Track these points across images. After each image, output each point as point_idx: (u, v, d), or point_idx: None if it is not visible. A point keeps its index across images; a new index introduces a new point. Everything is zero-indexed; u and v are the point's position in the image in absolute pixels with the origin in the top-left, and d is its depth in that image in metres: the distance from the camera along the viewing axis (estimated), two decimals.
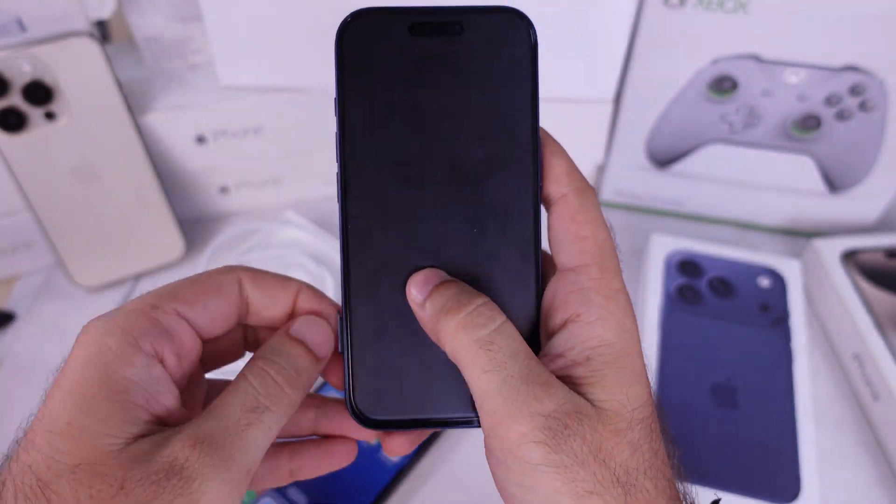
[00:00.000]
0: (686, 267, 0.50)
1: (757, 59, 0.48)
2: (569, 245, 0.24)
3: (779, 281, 0.49)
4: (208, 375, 0.28)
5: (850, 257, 0.50)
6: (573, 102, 0.53)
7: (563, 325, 0.23)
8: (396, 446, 0.27)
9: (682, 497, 0.23)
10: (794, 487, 0.40)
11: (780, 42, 0.47)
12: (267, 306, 0.26)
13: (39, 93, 0.45)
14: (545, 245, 0.26)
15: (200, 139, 0.54)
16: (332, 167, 0.28)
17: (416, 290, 0.24)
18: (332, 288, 0.52)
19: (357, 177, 0.25)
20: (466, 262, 0.25)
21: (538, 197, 0.25)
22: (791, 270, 0.50)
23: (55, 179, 0.48)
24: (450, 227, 0.25)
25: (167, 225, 0.54)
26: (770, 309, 0.48)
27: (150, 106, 0.52)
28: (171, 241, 0.55)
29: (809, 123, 0.51)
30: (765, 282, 0.49)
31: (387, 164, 0.25)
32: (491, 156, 0.25)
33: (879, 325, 0.46)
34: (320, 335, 0.26)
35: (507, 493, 0.22)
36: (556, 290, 0.24)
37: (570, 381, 0.23)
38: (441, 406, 0.25)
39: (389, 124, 0.25)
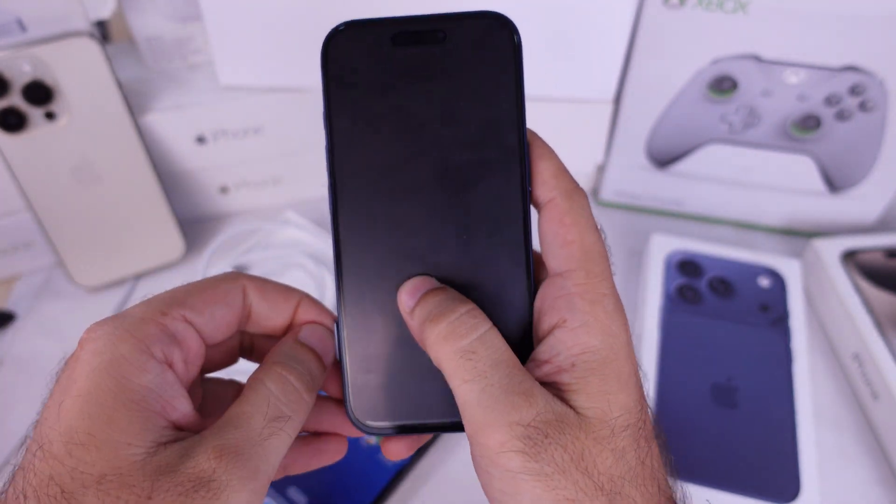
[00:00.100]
0: (686, 267, 0.50)
1: (757, 59, 0.48)
2: (557, 249, 0.24)
3: (779, 281, 0.49)
4: None
5: (850, 257, 0.50)
6: (573, 102, 0.53)
7: (550, 331, 0.23)
8: (395, 450, 0.27)
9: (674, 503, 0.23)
10: (794, 487, 0.40)
11: (780, 42, 0.47)
12: (269, 315, 0.27)
13: (39, 93, 0.45)
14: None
15: (200, 139, 0.54)
16: None
17: (406, 298, 0.25)
18: (332, 287, 0.52)
19: (347, 187, 0.25)
20: (457, 268, 0.25)
21: (527, 201, 0.25)
22: (791, 270, 0.50)
23: (55, 179, 0.48)
24: (440, 234, 0.25)
25: (167, 225, 0.54)
26: (770, 309, 0.48)
27: (150, 106, 0.52)
28: (171, 241, 0.55)
29: (809, 123, 0.51)
30: (765, 282, 0.49)
31: (376, 174, 0.25)
32: (478, 161, 0.25)
33: (879, 325, 0.46)
34: (326, 342, 0.27)
35: (491, 497, 0.23)
36: (545, 295, 0.24)
37: (556, 388, 0.23)
38: (438, 411, 0.25)
39: (376, 135, 0.25)
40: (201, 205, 0.59)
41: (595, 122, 0.55)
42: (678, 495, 0.23)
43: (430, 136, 0.25)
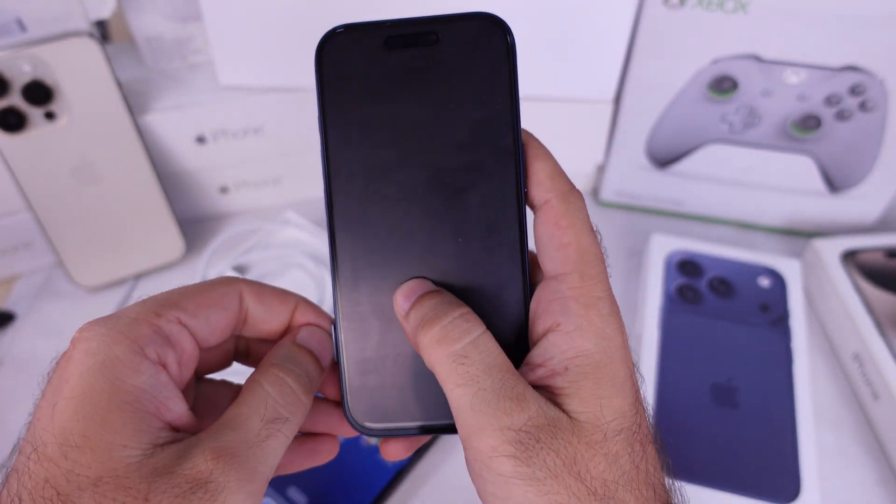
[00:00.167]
0: (686, 267, 0.50)
1: (757, 59, 0.48)
2: (552, 252, 0.24)
3: (779, 281, 0.49)
4: None
5: (850, 257, 0.50)
6: (573, 102, 0.53)
7: (545, 334, 0.23)
8: (394, 451, 0.27)
9: None
10: (794, 487, 0.40)
11: (780, 42, 0.47)
12: (265, 319, 0.27)
13: (39, 93, 0.45)
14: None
15: (200, 139, 0.54)
16: None
17: (402, 301, 0.25)
18: (331, 288, 0.52)
19: (342, 191, 0.25)
20: (453, 271, 0.25)
21: (522, 203, 0.25)
22: (791, 270, 0.50)
23: (55, 179, 0.48)
24: (436, 236, 0.25)
25: (167, 225, 0.54)
26: (770, 309, 0.48)
27: (150, 106, 0.52)
28: (171, 241, 0.55)
29: (809, 123, 0.51)
30: (765, 282, 0.49)
31: (371, 177, 0.25)
32: (473, 163, 0.25)
33: (879, 325, 0.46)
34: (324, 345, 0.27)
35: (485, 501, 0.23)
36: (540, 298, 0.24)
37: (550, 392, 0.23)
38: (435, 413, 0.25)
39: (371, 139, 0.25)
40: (201, 205, 0.59)
41: (595, 122, 0.55)
42: (675, 499, 0.23)
43: (424, 139, 0.25)
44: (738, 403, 0.43)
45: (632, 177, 0.57)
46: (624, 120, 0.54)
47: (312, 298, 0.52)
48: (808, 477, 0.40)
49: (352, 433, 0.28)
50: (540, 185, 0.24)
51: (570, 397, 0.22)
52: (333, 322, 0.27)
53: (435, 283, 0.25)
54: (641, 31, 0.49)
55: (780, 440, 0.41)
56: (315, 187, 0.61)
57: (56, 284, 0.55)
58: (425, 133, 0.25)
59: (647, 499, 0.21)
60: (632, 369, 0.23)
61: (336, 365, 0.27)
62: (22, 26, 0.44)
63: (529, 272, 0.25)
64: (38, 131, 0.46)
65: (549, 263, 0.24)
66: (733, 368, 0.45)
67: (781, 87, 0.49)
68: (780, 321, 0.47)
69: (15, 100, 0.45)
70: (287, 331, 0.28)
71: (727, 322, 0.47)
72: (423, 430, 0.26)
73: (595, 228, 0.24)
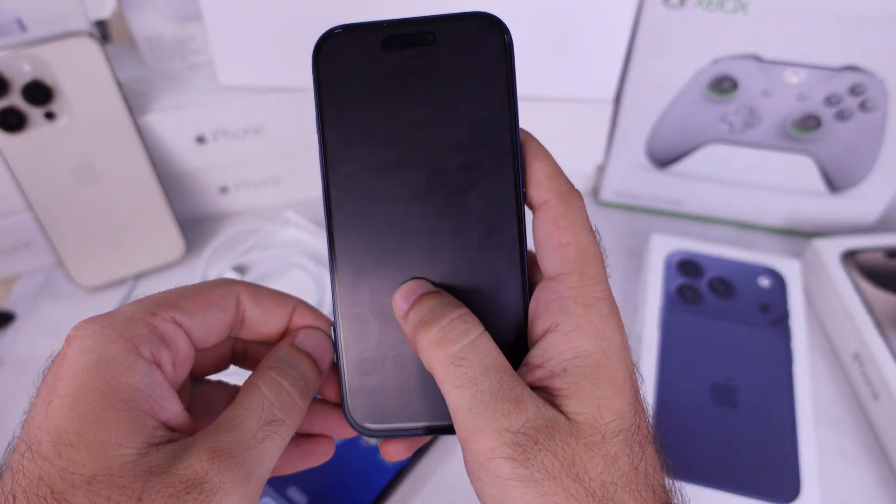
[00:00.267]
0: (686, 267, 0.50)
1: (757, 59, 0.48)
2: (551, 252, 0.23)
3: (779, 281, 0.49)
4: None
5: (850, 257, 0.50)
6: (573, 102, 0.53)
7: (544, 335, 0.23)
8: (394, 451, 0.27)
9: None
10: (794, 487, 0.40)
11: (780, 42, 0.47)
12: (263, 321, 0.27)
13: (39, 93, 0.45)
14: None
15: (200, 139, 0.54)
16: None
17: (401, 302, 0.25)
18: (331, 288, 0.52)
19: (340, 192, 0.25)
20: (452, 271, 0.25)
21: (521, 203, 0.25)
22: (791, 270, 0.50)
23: (55, 179, 0.48)
24: (435, 237, 0.25)
25: (167, 225, 0.54)
26: (770, 309, 0.48)
27: (150, 106, 0.52)
28: (171, 241, 0.55)
29: (809, 123, 0.51)
30: (765, 282, 0.49)
31: (369, 178, 0.25)
32: (472, 164, 0.25)
33: (879, 325, 0.46)
34: (323, 348, 0.27)
35: (483, 502, 0.23)
36: (539, 299, 0.24)
37: (548, 393, 0.23)
38: (435, 414, 0.25)
39: (369, 140, 0.25)
40: (201, 205, 0.59)
41: (595, 122, 0.55)
42: (675, 500, 0.23)
43: (423, 140, 0.25)
44: (738, 403, 0.43)
45: (632, 177, 0.57)
46: (624, 120, 0.54)
47: (312, 298, 0.52)
48: (808, 477, 0.40)
49: (349, 434, 0.28)
50: (539, 185, 0.24)
51: (569, 398, 0.22)
52: (333, 323, 0.27)
53: (434, 283, 0.25)
54: (641, 31, 0.49)
55: (780, 440, 0.41)
56: (315, 187, 0.60)
57: (56, 284, 0.55)
58: (423, 133, 0.25)
59: (646, 500, 0.21)
60: (631, 370, 0.23)
61: (334, 366, 0.27)
62: (22, 26, 0.44)
63: (529, 272, 0.25)
64: (38, 131, 0.46)
65: (547, 263, 0.24)
66: (733, 368, 0.45)
67: (781, 87, 0.49)
68: (780, 321, 0.47)
69: (15, 100, 0.45)
70: (285, 333, 0.28)
71: (727, 322, 0.47)
72: (423, 431, 0.26)
73: (594, 228, 0.24)
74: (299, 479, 0.41)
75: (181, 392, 0.26)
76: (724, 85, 0.50)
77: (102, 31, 0.61)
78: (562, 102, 0.54)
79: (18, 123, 0.46)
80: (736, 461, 0.41)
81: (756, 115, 0.51)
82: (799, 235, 0.58)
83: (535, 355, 0.23)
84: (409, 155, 0.25)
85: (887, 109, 0.49)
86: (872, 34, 0.46)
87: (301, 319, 0.27)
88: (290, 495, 0.40)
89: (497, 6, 0.47)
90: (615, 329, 0.23)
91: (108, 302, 0.53)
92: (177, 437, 0.22)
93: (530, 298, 0.25)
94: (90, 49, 0.45)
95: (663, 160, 0.56)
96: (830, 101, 0.49)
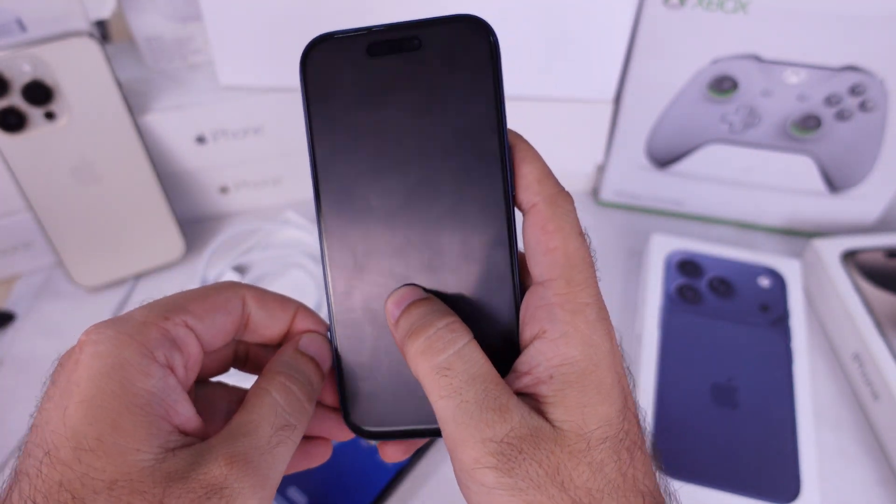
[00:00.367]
0: (686, 267, 0.50)
1: (757, 59, 0.48)
2: (539, 257, 0.23)
3: (779, 281, 0.49)
4: None
5: (850, 257, 0.50)
6: (573, 102, 0.53)
7: (532, 341, 0.23)
8: (392, 453, 0.27)
9: None
10: (794, 487, 0.40)
11: (780, 42, 0.47)
12: (266, 324, 0.27)
13: (39, 93, 0.45)
14: None
15: (200, 139, 0.54)
16: None
17: (392, 308, 0.25)
18: (325, 293, 0.53)
19: (331, 199, 0.25)
20: (443, 277, 0.25)
21: (511, 207, 0.24)
22: (791, 270, 0.50)
23: (55, 179, 0.48)
24: (426, 242, 0.25)
25: (167, 225, 0.54)
26: (770, 309, 0.48)
27: (150, 106, 0.52)
28: (170, 241, 0.55)
29: (809, 123, 0.51)
30: (765, 282, 0.49)
31: (359, 185, 0.25)
32: (461, 168, 0.24)
33: (879, 325, 0.46)
34: (324, 352, 0.27)
35: None
36: (528, 305, 0.24)
37: (535, 400, 0.22)
38: (431, 416, 0.25)
39: (358, 147, 0.25)
40: (201, 205, 0.59)
41: (595, 122, 0.55)
42: None
43: (411, 145, 0.25)
44: (738, 403, 0.43)
45: (632, 177, 0.57)
46: (624, 120, 0.54)
47: (312, 298, 0.52)
48: (808, 477, 0.40)
49: (347, 437, 0.28)
50: (527, 189, 0.24)
51: (555, 406, 0.22)
52: (329, 328, 0.27)
53: (426, 289, 0.25)
54: (641, 31, 0.49)
55: (780, 440, 0.41)
56: None
57: (56, 284, 0.55)
58: (412, 139, 0.25)
59: None
60: (621, 375, 0.23)
61: (332, 370, 0.27)
62: (22, 26, 0.44)
63: (522, 276, 0.25)
64: (38, 131, 0.46)
65: (536, 268, 0.23)
66: (733, 368, 0.45)
67: (781, 87, 0.49)
68: (780, 321, 0.47)
69: (15, 100, 0.45)
70: (286, 336, 0.28)
71: (727, 322, 0.47)
72: (421, 434, 0.26)
73: (584, 232, 0.24)
74: (299, 479, 0.41)
75: (189, 394, 0.26)
76: (724, 85, 0.50)
77: (102, 31, 0.61)
78: (562, 102, 0.54)
79: (18, 123, 0.46)
80: (736, 461, 0.41)
81: (756, 115, 0.51)
82: (799, 235, 0.58)
83: (523, 362, 0.23)
84: (397, 161, 0.25)
85: (887, 109, 0.49)
86: (872, 34, 0.46)
87: (302, 323, 0.28)
88: (290, 495, 0.40)
89: (498, 6, 0.47)
90: (603, 335, 0.23)
91: (108, 302, 0.53)
92: (190, 441, 0.22)
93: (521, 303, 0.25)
94: (90, 49, 0.45)
95: (663, 160, 0.56)
96: (830, 101, 0.49)
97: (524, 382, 0.23)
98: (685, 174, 0.56)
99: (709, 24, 0.47)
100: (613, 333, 0.23)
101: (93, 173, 0.49)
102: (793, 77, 0.49)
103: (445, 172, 0.24)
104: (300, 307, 0.28)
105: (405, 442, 0.27)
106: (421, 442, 0.28)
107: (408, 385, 0.25)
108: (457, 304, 0.25)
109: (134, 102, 0.51)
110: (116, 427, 0.21)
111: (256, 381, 0.25)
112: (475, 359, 0.23)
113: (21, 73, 0.44)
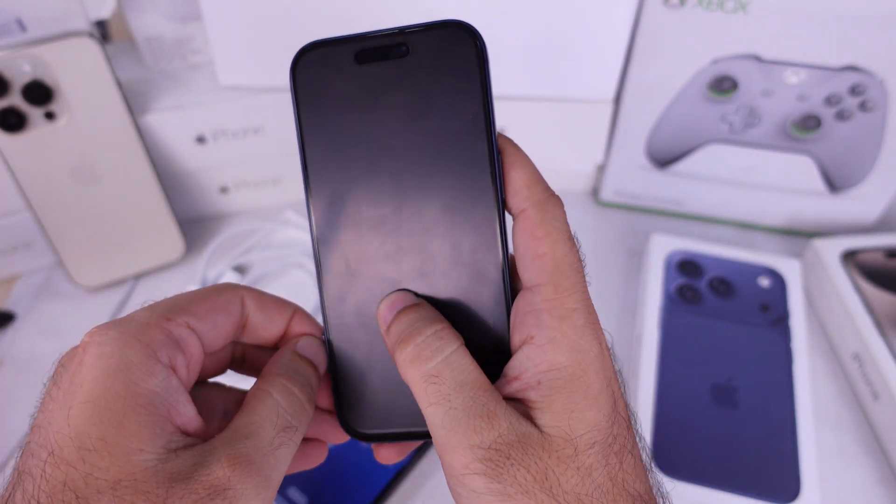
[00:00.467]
0: (686, 267, 0.50)
1: (757, 59, 0.48)
2: (528, 262, 0.23)
3: (779, 281, 0.49)
4: None
5: (850, 257, 0.50)
6: (573, 102, 0.53)
7: (521, 347, 0.23)
8: (387, 455, 0.27)
9: None
10: (794, 487, 0.40)
11: (780, 42, 0.47)
12: (264, 326, 0.27)
13: (39, 93, 0.45)
14: None
15: (200, 139, 0.54)
16: None
17: (384, 314, 0.25)
18: (319, 298, 0.53)
19: (323, 206, 0.26)
20: (435, 282, 0.25)
21: (501, 212, 0.24)
22: (791, 270, 0.50)
23: (55, 179, 0.48)
24: (417, 247, 0.25)
25: (167, 225, 0.54)
26: (770, 309, 0.48)
27: (150, 106, 0.52)
28: (170, 241, 0.55)
29: (809, 123, 0.51)
30: (765, 282, 0.49)
31: (350, 191, 0.25)
32: (451, 173, 0.24)
33: (879, 325, 0.46)
34: (321, 355, 0.27)
35: None
36: (517, 310, 0.24)
37: (524, 405, 0.23)
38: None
39: (349, 154, 0.25)
40: (201, 205, 0.59)
41: (595, 122, 0.55)
42: None
43: (401, 152, 0.25)
44: (738, 403, 0.43)
45: (632, 177, 0.57)
46: (624, 120, 0.54)
47: (312, 298, 0.52)
48: (808, 477, 0.40)
49: (342, 440, 0.28)
50: (516, 195, 0.24)
51: (543, 411, 0.22)
52: (324, 331, 0.27)
53: (418, 294, 0.25)
54: (641, 31, 0.49)
55: (780, 440, 0.41)
56: None
57: (56, 284, 0.55)
58: (402, 146, 0.25)
59: None
60: (611, 379, 0.23)
61: (328, 373, 0.27)
62: (22, 26, 0.44)
63: (513, 281, 0.25)
64: (38, 131, 0.46)
65: (525, 274, 0.24)
66: (733, 368, 0.45)
67: (781, 87, 0.49)
68: (780, 321, 0.47)
69: (15, 100, 0.45)
70: (282, 338, 0.28)
71: (727, 322, 0.47)
72: (415, 436, 0.26)
73: (574, 236, 0.24)
74: (299, 480, 0.41)
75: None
76: (724, 85, 0.50)
77: (102, 31, 0.61)
78: (562, 102, 0.54)
79: (18, 123, 0.46)
80: (736, 461, 0.41)
81: (756, 115, 0.51)
82: (799, 235, 0.58)
83: (512, 367, 0.23)
84: (388, 167, 0.25)
85: (887, 109, 0.49)
86: (872, 34, 0.46)
87: (298, 326, 0.28)
88: (290, 495, 0.40)
89: (498, 6, 0.47)
90: (591, 339, 0.23)
91: (108, 302, 0.53)
92: (192, 442, 0.22)
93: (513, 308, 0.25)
94: (90, 49, 0.45)
95: (663, 160, 0.56)
96: (830, 101, 0.49)
97: (513, 388, 0.23)
98: (685, 174, 0.56)
99: (709, 24, 0.47)
100: (603, 338, 0.23)
101: (93, 173, 0.49)
102: (793, 77, 0.49)
103: (436, 178, 0.24)
104: (297, 310, 0.28)
105: (400, 444, 0.27)
106: (416, 444, 0.28)
107: (402, 388, 0.25)
108: (448, 309, 0.25)
109: (134, 102, 0.51)
110: (120, 427, 0.21)
111: (256, 383, 0.25)
112: (463, 366, 0.23)
113: (21, 73, 0.44)
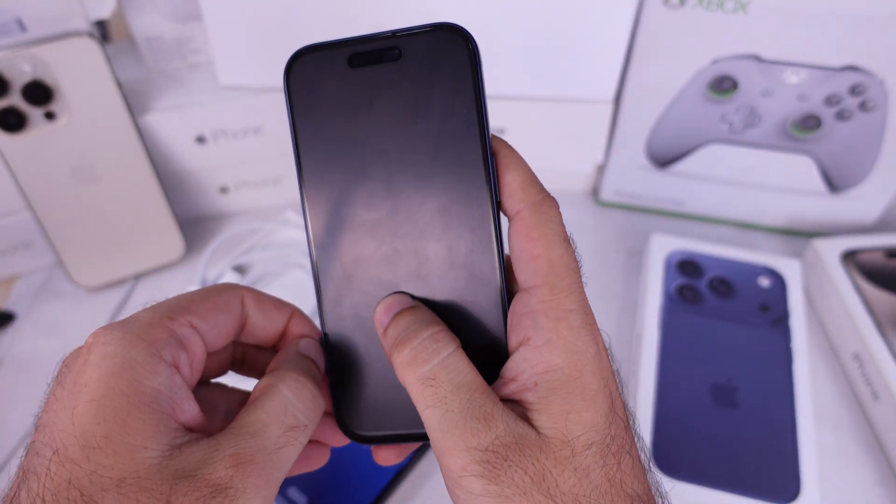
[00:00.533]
0: (686, 267, 0.50)
1: (757, 59, 0.48)
2: (524, 264, 0.23)
3: (779, 281, 0.49)
4: None
5: (850, 257, 0.50)
6: (573, 102, 0.53)
7: (517, 348, 0.23)
8: (386, 457, 0.27)
9: None
10: (794, 487, 0.40)
11: (780, 42, 0.47)
12: (263, 326, 0.27)
13: (39, 93, 0.45)
14: None
15: (200, 139, 0.54)
16: None
17: (381, 316, 0.25)
18: (316, 300, 0.53)
19: (318, 209, 0.26)
20: (431, 285, 0.25)
21: (496, 214, 0.24)
22: (791, 270, 0.50)
23: (55, 179, 0.48)
24: (413, 250, 0.25)
25: (167, 225, 0.54)
26: (770, 309, 0.48)
27: (150, 106, 0.52)
28: (170, 241, 0.55)
29: (809, 123, 0.51)
30: (765, 282, 0.49)
31: (345, 195, 0.25)
32: (445, 176, 0.24)
33: (879, 325, 0.46)
34: (321, 356, 0.27)
35: None
36: (514, 312, 0.24)
37: (522, 406, 0.23)
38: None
39: (343, 158, 0.25)
40: (201, 205, 0.59)
41: (595, 122, 0.55)
42: None
43: (395, 155, 0.25)
44: (738, 403, 0.43)
45: (632, 177, 0.57)
46: (624, 120, 0.54)
47: (312, 298, 0.52)
48: (808, 477, 0.40)
49: (342, 442, 0.28)
50: (511, 197, 0.24)
51: (539, 413, 0.22)
52: (322, 334, 0.27)
53: (415, 296, 0.25)
54: (641, 31, 0.49)
55: (780, 440, 0.41)
56: None
57: (56, 284, 0.55)
58: (396, 149, 0.25)
59: None
60: (608, 380, 0.23)
61: (326, 375, 0.27)
62: (22, 26, 0.44)
63: (509, 282, 0.25)
64: (38, 131, 0.46)
65: (521, 275, 0.24)
66: (733, 368, 0.45)
67: (781, 87, 0.49)
68: (780, 321, 0.47)
69: (15, 100, 0.45)
70: (281, 339, 0.28)
71: (727, 322, 0.47)
72: (413, 438, 0.26)
73: (570, 237, 0.24)
74: (299, 480, 0.41)
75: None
76: (724, 85, 0.50)
77: (102, 31, 0.61)
78: (562, 102, 0.54)
79: (18, 123, 0.46)
80: (736, 461, 0.41)
81: (756, 115, 0.51)
82: (799, 235, 0.58)
83: (509, 369, 0.23)
84: (382, 171, 0.25)
85: (887, 109, 0.49)
86: (872, 34, 0.46)
87: (296, 327, 0.28)
88: (290, 495, 0.40)
89: (498, 6, 0.47)
90: (588, 341, 0.23)
91: (108, 302, 0.53)
92: (196, 436, 0.22)
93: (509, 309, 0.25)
94: (90, 49, 0.45)
95: (663, 160, 0.56)
96: (830, 101, 0.49)
97: (510, 389, 0.23)
98: (685, 174, 0.56)
99: (709, 24, 0.47)
100: (600, 338, 0.23)
101: (93, 173, 0.49)
102: (793, 77, 0.49)
103: (430, 181, 0.25)
104: (295, 310, 0.28)
105: (398, 446, 0.27)
106: (414, 446, 0.28)
107: (399, 390, 0.25)
108: (445, 312, 0.25)
109: (134, 102, 0.51)
110: (125, 425, 0.21)
111: (265, 378, 0.25)
112: (460, 368, 0.23)
113: (21, 73, 0.44)
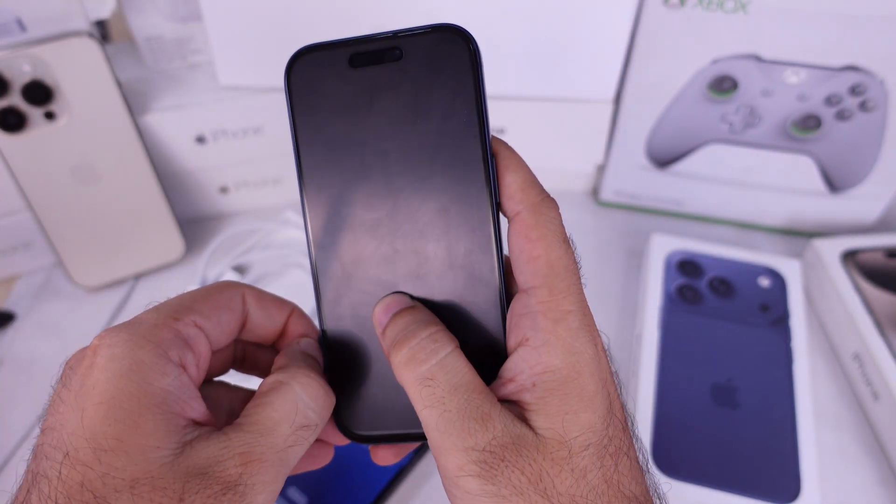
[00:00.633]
0: (686, 267, 0.50)
1: (757, 59, 0.48)
2: (523, 265, 0.23)
3: (779, 281, 0.49)
4: None
5: (850, 257, 0.50)
6: (573, 102, 0.53)
7: (516, 349, 0.23)
8: (384, 456, 0.27)
9: None
10: (794, 487, 0.40)
11: (780, 42, 0.47)
12: (263, 324, 0.28)
13: (39, 93, 0.45)
14: None
15: (200, 139, 0.54)
16: None
17: (380, 316, 0.25)
18: (315, 300, 0.53)
19: (318, 209, 0.26)
20: (431, 285, 0.25)
21: (496, 214, 0.24)
22: (791, 270, 0.50)
23: (55, 179, 0.48)
24: (413, 250, 0.25)
25: (167, 225, 0.54)
26: (770, 309, 0.48)
27: (150, 106, 0.52)
28: (170, 241, 0.55)
29: (809, 123, 0.51)
30: (765, 282, 0.49)
31: (345, 195, 0.25)
32: (445, 177, 0.24)
33: (879, 325, 0.46)
34: (320, 355, 0.27)
35: None
36: (513, 312, 0.24)
37: (520, 407, 0.23)
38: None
39: (343, 158, 0.25)
40: (201, 205, 0.59)
41: (595, 122, 0.55)
42: None
43: (395, 155, 0.25)
44: (738, 403, 0.43)
45: (632, 177, 0.57)
46: (624, 120, 0.54)
47: (312, 298, 0.52)
48: (808, 477, 0.40)
49: (343, 441, 0.28)
50: (511, 198, 0.24)
51: (537, 413, 0.22)
52: (321, 333, 0.27)
53: (414, 296, 0.25)
54: (641, 32, 0.49)
55: (780, 440, 0.41)
56: None
57: (56, 284, 0.55)
58: (396, 149, 0.25)
59: None
60: (606, 381, 0.23)
61: (325, 375, 0.27)
62: (22, 26, 0.44)
63: (508, 283, 0.25)
64: (38, 131, 0.46)
65: (520, 276, 0.24)
66: (733, 368, 0.45)
67: (781, 87, 0.49)
68: (780, 321, 0.47)
69: (15, 100, 0.45)
70: (281, 336, 0.28)
71: (727, 322, 0.47)
72: (412, 438, 0.26)
73: (570, 238, 0.24)
74: (299, 480, 0.41)
75: None
76: (724, 85, 0.50)
77: (102, 31, 0.61)
78: (562, 102, 0.54)
79: (18, 123, 0.46)
80: (736, 461, 0.41)
81: (756, 114, 0.51)
82: (799, 235, 0.58)
83: (508, 369, 0.23)
84: (382, 172, 0.25)
85: (887, 109, 0.49)
86: (872, 34, 0.46)
87: (295, 325, 0.28)
88: (290, 495, 0.40)
89: (499, 6, 0.47)
90: (586, 341, 0.23)
91: (108, 302, 0.53)
92: (205, 430, 0.23)
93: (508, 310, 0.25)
94: (90, 49, 0.45)
95: (663, 160, 0.56)
96: (830, 101, 0.49)
97: (508, 390, 0.23)
98: (685, 174, 0.56)
99: (709, 24, 0.47)
100: (599, 340, 0.23)
101: (93, 173, 0.49)
102: (793, 77, 0.49)
103: (430, 181, 0.25)
104: (294, 308, 0.29)
105: (396, 446, 0.27)
106: (412, 446, 0.28)
107: (397, 390, 0.25)
108: (444, 312, 0.25)
109: (134, 102, 0.51)
110: (136, 426, 0.21)
111: (274, 375, 0.25)
112: (458, 368, 0.23)
113: (21, 73, 0.44)
